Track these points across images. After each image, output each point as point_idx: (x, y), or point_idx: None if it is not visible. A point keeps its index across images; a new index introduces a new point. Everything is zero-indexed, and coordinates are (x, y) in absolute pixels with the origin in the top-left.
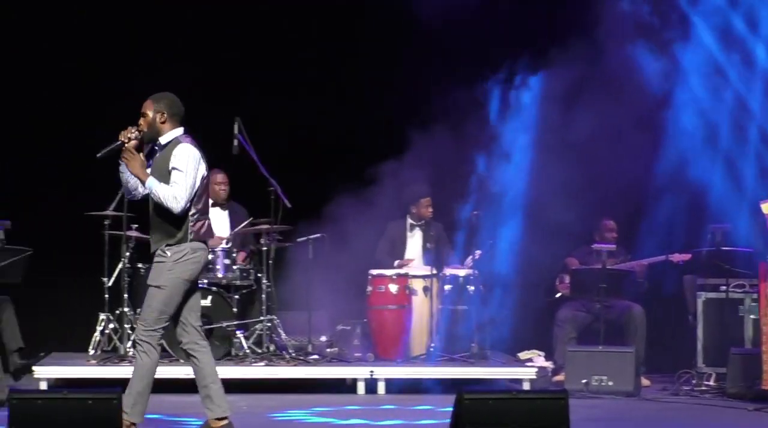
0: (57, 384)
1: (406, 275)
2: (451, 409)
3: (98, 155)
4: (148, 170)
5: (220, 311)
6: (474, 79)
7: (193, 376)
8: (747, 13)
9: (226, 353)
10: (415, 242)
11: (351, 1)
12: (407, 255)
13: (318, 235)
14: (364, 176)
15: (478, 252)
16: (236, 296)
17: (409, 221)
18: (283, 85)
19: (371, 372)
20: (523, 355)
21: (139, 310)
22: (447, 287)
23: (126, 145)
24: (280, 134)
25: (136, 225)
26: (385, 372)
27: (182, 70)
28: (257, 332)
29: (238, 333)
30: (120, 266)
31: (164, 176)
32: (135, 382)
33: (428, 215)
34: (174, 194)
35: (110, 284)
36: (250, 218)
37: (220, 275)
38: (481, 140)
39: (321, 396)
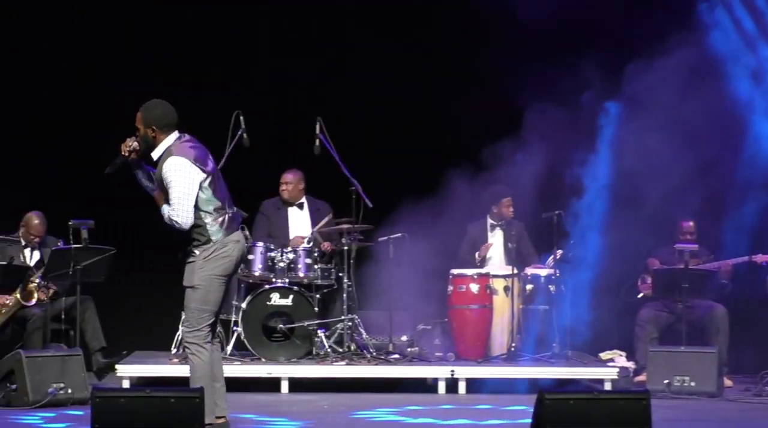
0: (139, 383)
1: (487, 275)
2: (532, 409)
3: (106, 172)
4: None
5: (302, 311)
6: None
7: (276, 375)
8: None
9: (307, 352)
10: (496, 242)
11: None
12: (489, 256)
13: (399, 234)
14: (445, 176)
15: (559, 252)
16: (317, 296)
17: (490, 221)
18: (364, 85)
19: (452, 371)
20: (604, 355)
21: (222, 309)
22: (528, 286)
23: (129, 156)
24: (361, 134)
25: None
26: (465, 372)
27: (263, 71)
28: (338, 331)
29: (319, 332)
30: None
31: (167, 193)
32: (195, 385)
33: (509, 215)
34: (175, 215)
35: None
36: (330, 215)
37: (301, 274)
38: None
39: (401, 395)
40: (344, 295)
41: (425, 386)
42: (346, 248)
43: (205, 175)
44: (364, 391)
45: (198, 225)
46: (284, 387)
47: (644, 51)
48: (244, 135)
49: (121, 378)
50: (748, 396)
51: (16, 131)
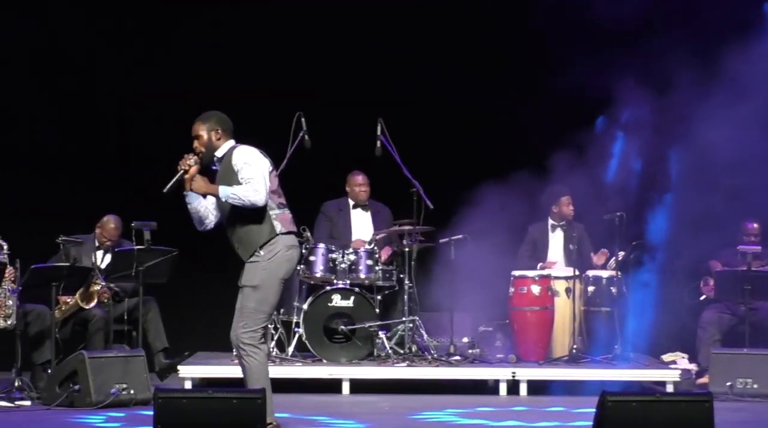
0: (202, 384)
1: (548, 277)
2: (594, 411)
3: (164, 190)
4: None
5: (363, 312)
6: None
7: (337, 376)
8: None
9: (369, 353)
10: (556, 243)
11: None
12: (550, 257)
13: (460, 236)
14: (507, 176)
15: (621, 253)
16: (378, 297)
17: (551, 221)
18: (425, 86)
19: (513, 373)
20: (666, 357)
21: (283, 310)
22: (590, 288)
23: (187, 173)
24: (423, 135)
25: None
26: (527, 374)
27: (324, 73)
28: (399, 332)
29: (381, 334)
30: None
31: (232, 184)
32: (251, 386)
33: (569, 214)
34: (253, 187)
35: None
36: (394, 223)
37: (362, 275)
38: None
39: (463, 397)
40: (405, 296)
41: (486, 388)
42: (407, 249)
43: (271, 167)
44: (424, 393)
45: (261, 220)
46: (345, 388)
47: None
48: (306, 136)
49: (183, 378)
50: None
51: (159, 132)
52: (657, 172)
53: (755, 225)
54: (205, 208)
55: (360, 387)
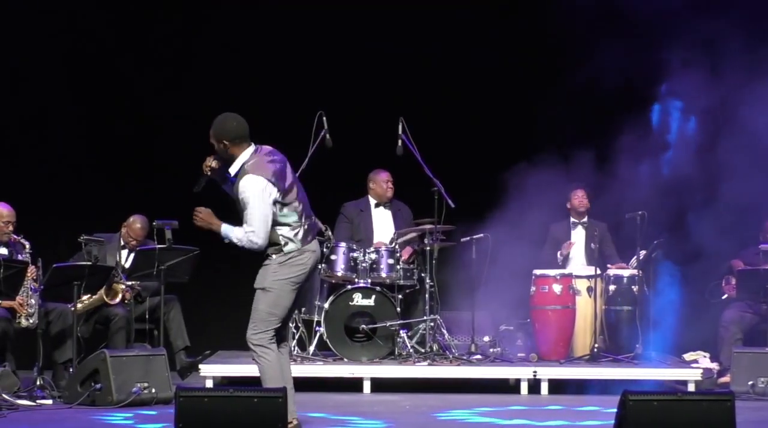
0: (223, 383)
1: (570, 276)
2: (615, 410)
3: (194, 189)
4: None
5: (384, 311)
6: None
7: (359, 375)
8: None
9: (390, 352)
10: (578, 242)
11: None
12: (572, 257)
13: (481, 235)
14: (529, 175)
15: (642, 252)
16: (400, 296)
17: (571, 219)
18: (446, 84)
19: (534, 372)
20: (688, 356)
21: (304, 309)
22: (611, 287)
23: (210, 174)
24: (444, 134)
25: None
26: (548, 373)
27: (345, 72)
28: (420, 331)
29: (402, 333)
30: None
31: (243, 210)
32: (266, 386)
33: (581, 207)
34: (251, 232)
35: None
36: (415, 224)
37: (383, 274)
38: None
39: (484, 396)
40: (426, 295)
41: (507, 387)
42: (428, 248)
43: (280, 192)
44: (446, 392)
45: (274, 238)
46: (366, 387)
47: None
48: (327, 135)
49: (205, 377)
50: None
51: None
52: (708, 161)
53: None
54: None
55: (381, 386)
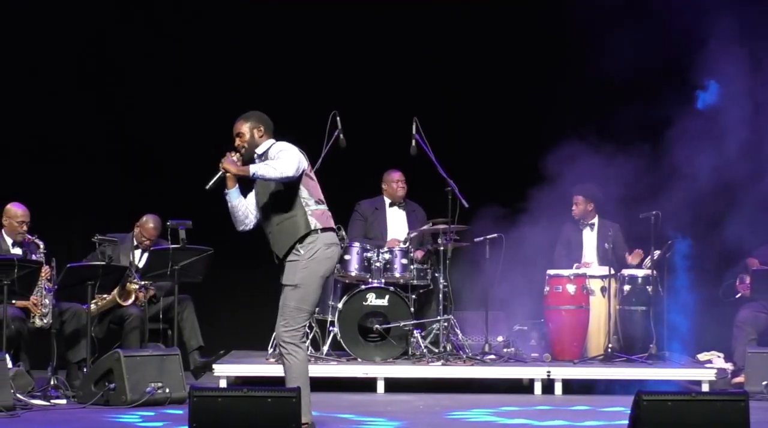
0: (236, 382)
1: (583, 276)
2: (629, 410)
3: (206, 187)
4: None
5: (397, 311)
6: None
7: (372, 375)
8: None
9: (403, 352)
10: (590, 243)
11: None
12: (585, 257)
13: (495, 235)
14: (542, 175)
15: (656, 252)
16: (413, 296)
17: (581, 221)
18: (460, 84)
19: (548, 372)
20: (702, 356)
21: (318, 309)
22: (626, 287)
23: (229, 171)
24: (457, 134)
25: None
26: (562, 373)
27: (359, 72)
28: (434, 331)
29: (415, 333)
30: None
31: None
32: (291, 385)
33: (577, 214)
34: (284, 161)
35: None
36: (429, 222)
37: (397, 274)
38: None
39: (497, 396)
40: (440, 295)
41: (521, 387)
42: (441, 248)
43: (309, 165)
44: (459, 392)
45: (299, 213)
46: (380, 387)
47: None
48: (341, 135)
49: (218, 377)
50: None
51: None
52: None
53: None
54: (245, 207)
55: (395, 385)
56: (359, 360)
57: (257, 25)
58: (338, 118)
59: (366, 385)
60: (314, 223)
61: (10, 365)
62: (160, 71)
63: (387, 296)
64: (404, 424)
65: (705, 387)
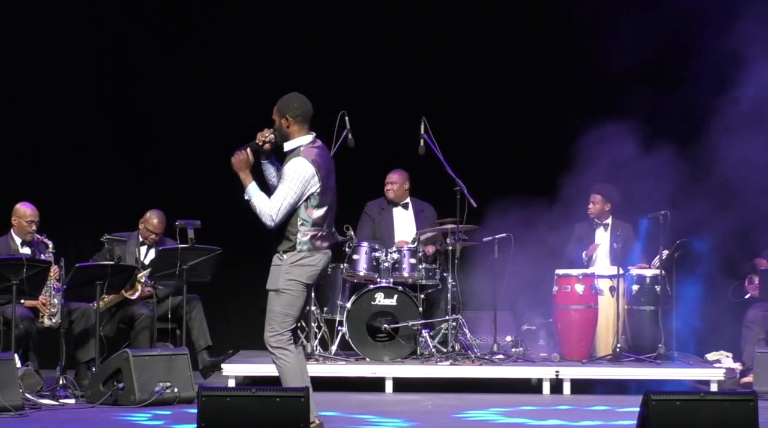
0: (245, 382)
1: (592, 275)
2: (637, 410)
3: (236, 151)
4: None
5: (406, 310)
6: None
7: (381, 374)
8: None
9: (412, 352)
10: (601, 241)
11: None
12: (595, 250)
13: (504, 234)
14: (551, 174)
15: (665, 252)
16: (422, 296)
17: (594, 219)
18: (467, 84)
19: (557, 372)
20: (711, 356)
21: (326, 308)
22: (634, 287)
23: (262, 146)
24: (466, 133)
25: None
26: (570, 373)
27: (368, 72)
28: (442, 331)
29: (424, 332)
30: None
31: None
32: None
33: (593, 213)
34: (269, 211)
35: None
36: (437, 221)
37: (406, 274)
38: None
39: (506, 396)
40: (448, 295)
41: (530, 386)
42: (450, 248)
43: (321, 189)
44: (468, 391)
45: (291, 230)
46: (389, 386)
47: None
48: (350, 135)
49: (227, 377)
50: None
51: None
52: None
53: None
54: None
55: (403, 385)
56: (368, 359)
57: (265, 25)
58: (347, 117)
59: (374, 385)
60: (302, 246)
61: (18, 364)
62: (171, 70)
63: (395, 296)
64: (413, 424)
65: (714, 387)
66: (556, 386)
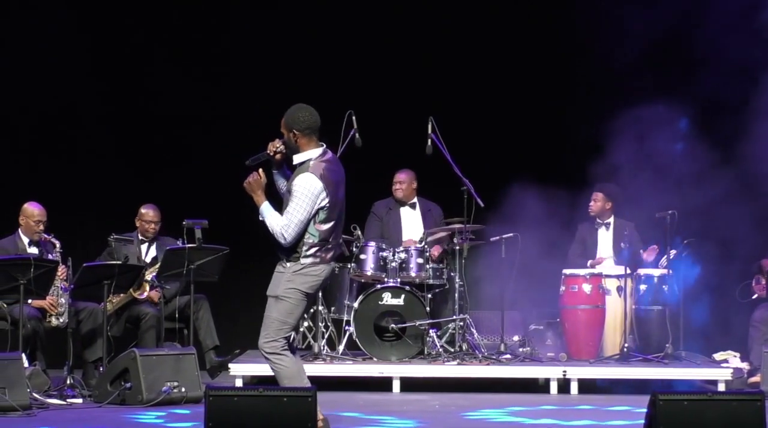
0: (252, 382)
1: (599, 275)
2: (645, 410)
3: (247, 162)
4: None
5: (413, 310)
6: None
7: (388, 374)
8: None
9: (419, 351)
10: (605, 242)
11: None
12: (599, 254)
13: (511, 234)
14: (557, 175)
15: (673, 252)
16: (429, 295)
17: (596, 219)
18: (475, 84)
19: (564, 372)
20: (718, 356)
21: (333, 308)
22: (642, 287)
23: (273, 157)
24: (473, 133)
25: None
26: (578, 372)
27: (375, 71)
28: (450, 331)
29: (431, 332)
30: None
31: (287, 201)
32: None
33: (594, 211)
34: (280, 230)
35: None
36: (444, 221)
37: (413, 273)
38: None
39: (513, 395)
40: (456, 295)
41: (537, 386)
42: (457, 247)
43: (329, 204)
44: (475, 391)
45: (297, 247)
46: (396, 386)
47: None
48: (357, 135)
49: (234, 376)
50: None
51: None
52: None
53: None
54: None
55: (410, 385)
56: (375, 359)
57: (270, 24)
58: (354, 117)
59: (382, 384)
60: (305, 259)
61: (26, 364)
62: (178, 70)
63: (403, 296)
64: (420, 424)
65: (721, 387)
66: (564, 386)
